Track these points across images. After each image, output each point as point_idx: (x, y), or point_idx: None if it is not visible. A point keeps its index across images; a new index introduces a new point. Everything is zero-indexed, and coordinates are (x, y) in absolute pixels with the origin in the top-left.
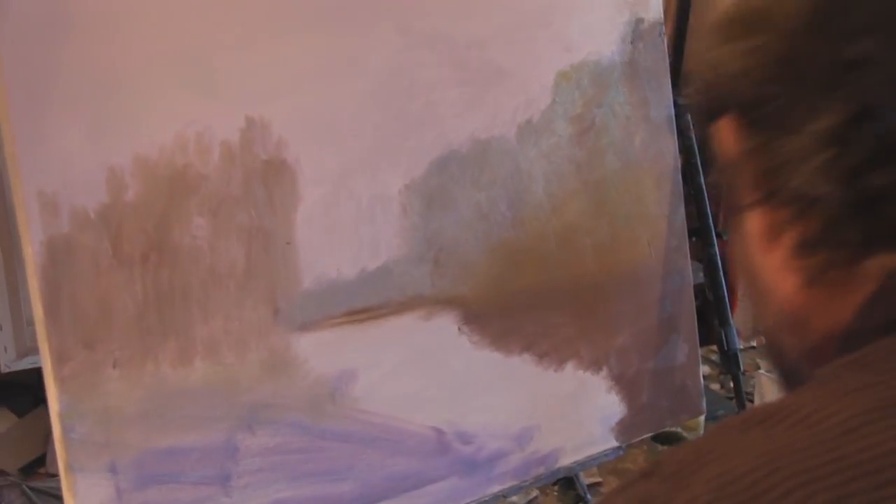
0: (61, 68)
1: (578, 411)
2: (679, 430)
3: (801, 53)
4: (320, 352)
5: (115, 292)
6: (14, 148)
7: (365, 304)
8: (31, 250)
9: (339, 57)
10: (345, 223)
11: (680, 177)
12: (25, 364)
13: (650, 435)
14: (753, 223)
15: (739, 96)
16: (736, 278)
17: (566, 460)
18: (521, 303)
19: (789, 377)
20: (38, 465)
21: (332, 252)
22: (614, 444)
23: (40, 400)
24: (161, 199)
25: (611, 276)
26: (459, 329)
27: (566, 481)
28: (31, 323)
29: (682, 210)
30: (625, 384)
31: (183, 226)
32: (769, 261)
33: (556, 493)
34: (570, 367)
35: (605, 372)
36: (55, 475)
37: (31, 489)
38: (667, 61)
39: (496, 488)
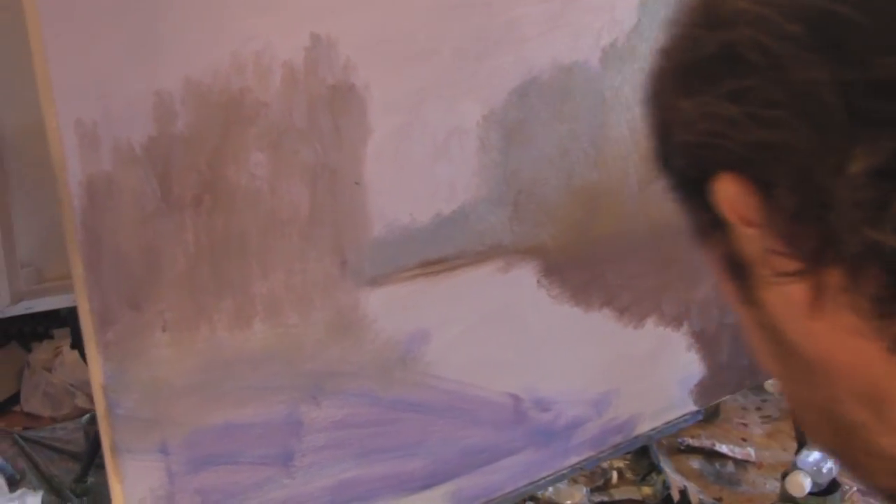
0: None
1: (657, 372)
2: None
3: (815, 85)
4: (391, 310)
5: (163, 242)
6: (47, 70)
7: (440, 254)
8: (69, 192)
9: None
10: (419, 160)
11: None
12: (20, 309)
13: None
14: (793, 291)
15: (736, 150)
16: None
17: (644, 427)
18: (602, 251)
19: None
20: (13, 403)
21: (405, 193)
22: (693, 408)
23: (10, 336)
24: (215, 131)
25: None
26: (539, 282)
27: (640, 450)
28: (25, 265)
29: None
30: (705, 341)
31: (240, 162)
32: (823, 330)
33: (628, 463)
34: (650, 322)
35: (685, 328)
36: (30, 414)
37: (24, 439)
38: None
39: (573, 460)
